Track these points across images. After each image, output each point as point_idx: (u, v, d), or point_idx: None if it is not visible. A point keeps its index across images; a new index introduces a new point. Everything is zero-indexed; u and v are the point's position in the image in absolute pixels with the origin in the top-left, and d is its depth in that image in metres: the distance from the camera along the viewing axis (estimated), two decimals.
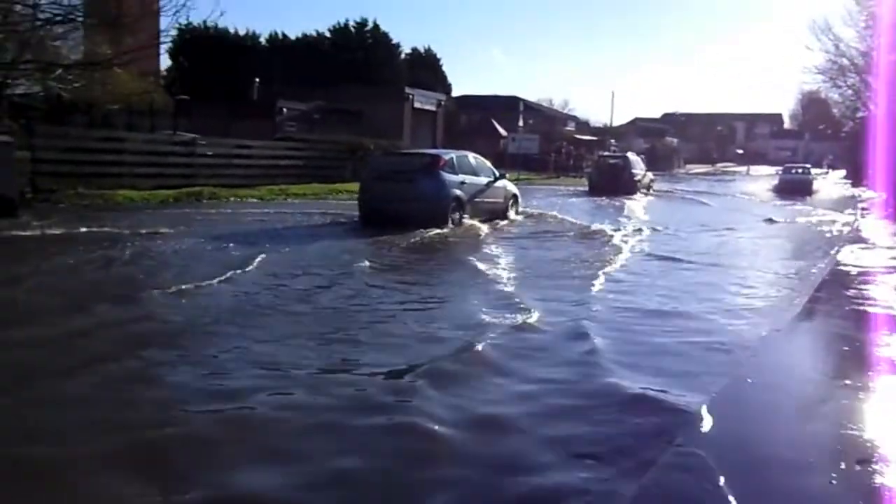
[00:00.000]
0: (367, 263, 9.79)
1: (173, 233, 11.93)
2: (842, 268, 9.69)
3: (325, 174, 24.07)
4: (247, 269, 8.91)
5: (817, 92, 53.88)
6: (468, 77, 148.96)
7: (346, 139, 26.61)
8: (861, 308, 6.89)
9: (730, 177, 58.35)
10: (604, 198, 25.75)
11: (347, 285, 8.31)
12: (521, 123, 41.75)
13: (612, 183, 28.43)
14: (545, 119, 66.40)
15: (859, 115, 42.63)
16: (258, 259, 9.58)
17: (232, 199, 18.63)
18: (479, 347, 5.67)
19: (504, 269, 9.75)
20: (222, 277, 8.24)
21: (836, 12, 51.12)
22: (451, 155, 15.29)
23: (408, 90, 38.70)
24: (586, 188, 30.97)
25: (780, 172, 40.72)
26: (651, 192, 31.02)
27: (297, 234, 13.06)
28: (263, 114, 32.49)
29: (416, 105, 39.25)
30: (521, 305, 7.21)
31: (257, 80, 39.01)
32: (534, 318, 6.65)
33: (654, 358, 5.58)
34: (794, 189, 33.97)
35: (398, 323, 6.62)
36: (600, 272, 9.34)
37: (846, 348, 5.47)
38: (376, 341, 5.95)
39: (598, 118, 79.58)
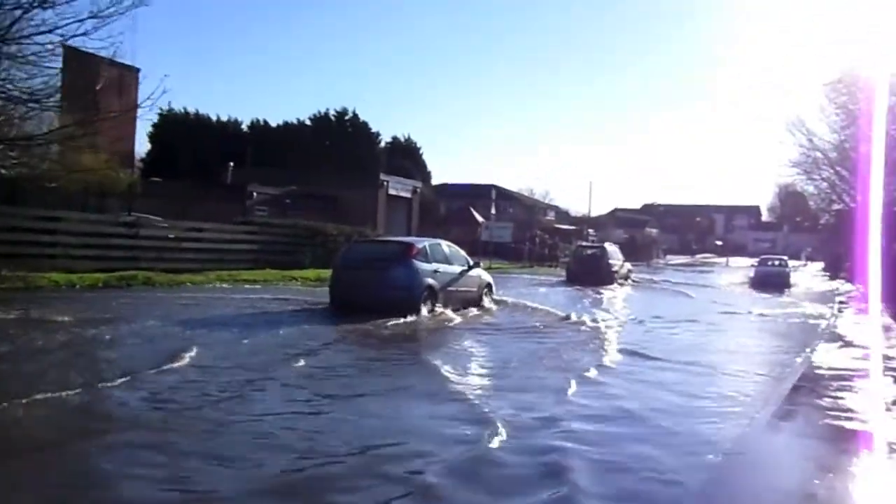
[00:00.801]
0: (302, 363, 8.69)
1: (71, 321, 10.74)
2: (817, 370, 8.83)
3: (281, 260, 23.06)
4: (164, 368, 7.84)
5: (793, 185, 54.33)
6: (450, 166, 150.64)
7: (305, 224, 25.77)
8: (836, 423, 5.98)
9: (709, 268, 58.06)
10: (581, 288, 25.26)
11: (274, 394, 7.17)
12: (493, 211, 41.22)
13: (590, 273, 28.26)
14: (524, 208, 66.60)
15: (835, 207, 42.78)
16: (185, 355, 8.51)
17: (168, 284, 17.45)
18: (428, 481, 4.63)
19: (471, 368, 8.90)
20: (120, 381, 7.18)
21: (808, 107, 51.89)
22: (424, 243, 15.12)
23: (382, 177, 38.40)
24: (563, 277, 30.64)
25: (755, 265, 38.69)
26: (629, 282, 30.76)
27: (235, 323, 11.90)
28: (234, 197, 32.02)
29: (391, 192, 38.91)
30: (487, 417, 6.25)
31: (231, 164, 38.74)
32: (495, 441, 5.59)
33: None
34: (771, 283, 32.10)
35: (322, 447, 5.43)
36: (572, 378, 8.27)
37: (817, 482, 4.53)
38: (288, 482, 4.71)
39: (578, 208, 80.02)
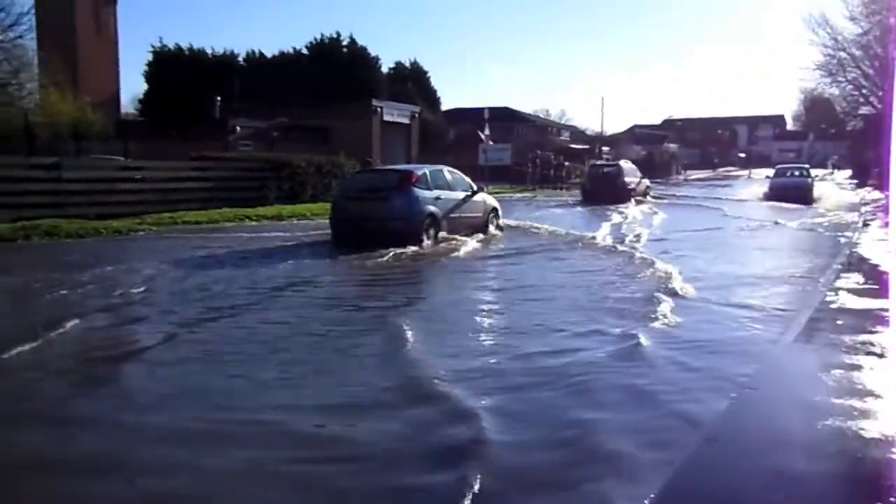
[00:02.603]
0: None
1: None
2: (831, 310, 7.11)
3: (240, 196, 20.85)
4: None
5: (818, 90, 51.14)
6: (463, 90, 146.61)
7: (267, 156, 23.68)
8: (848, 426, 4.30)
9: (730, 181, 55.48)
10: (595, 207, 24.70)
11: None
12: (487, 132, 38.36)
13: (605, 191, 27.64)
14: (537, 129, 64.14)
15: (862, 111, 40.05)
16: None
17: (77, 232, 14.98)
18: None
19: (458, 323, 7.67)
20: None
21: (832, 3, 48.06)
22: (424, 170, 14.73)
23: (375, 103, 36.16)
24: (571, 201, 29.55)
25: (770, 177, 33.59)
26: (647, 199, 29.63)
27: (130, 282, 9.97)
28: (218, 134, 30.38)
29: (387, 118, 36.77)
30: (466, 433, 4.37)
31: (218, 98, 36.86)
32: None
33: None
34: (789, 196, 27.78)
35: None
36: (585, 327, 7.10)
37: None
38: None
39: (594, 127, 77.24)
